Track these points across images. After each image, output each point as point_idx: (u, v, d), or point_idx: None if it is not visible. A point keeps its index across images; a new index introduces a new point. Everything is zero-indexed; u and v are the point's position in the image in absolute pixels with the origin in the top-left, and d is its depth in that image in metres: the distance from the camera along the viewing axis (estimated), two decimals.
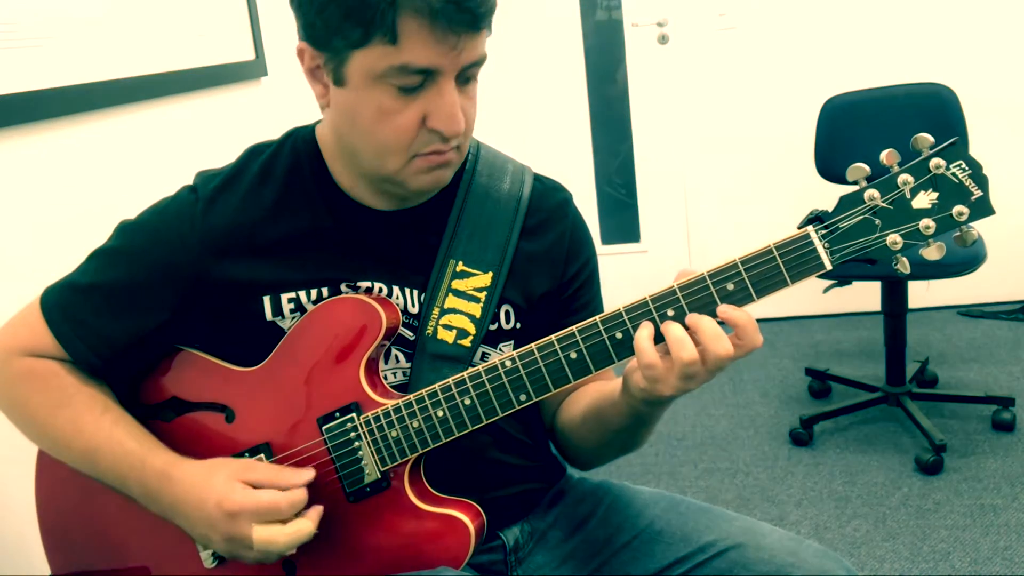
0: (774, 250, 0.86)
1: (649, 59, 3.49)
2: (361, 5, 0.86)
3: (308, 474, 0.96)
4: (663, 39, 3.45)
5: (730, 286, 0.87)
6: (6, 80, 1.35)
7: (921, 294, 3.41)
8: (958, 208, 0.84)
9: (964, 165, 0.83)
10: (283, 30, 2.20)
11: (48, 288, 1.05)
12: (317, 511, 0.96)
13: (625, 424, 0.99)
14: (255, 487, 0.94)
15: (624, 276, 2.87)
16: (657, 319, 0.89)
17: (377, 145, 0.95)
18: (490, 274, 1.05)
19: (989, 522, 2.15)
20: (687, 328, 0.87)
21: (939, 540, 2.11)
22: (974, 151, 0.84)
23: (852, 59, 3.28)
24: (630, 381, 0.92)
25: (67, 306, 1.03)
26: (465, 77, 0.94)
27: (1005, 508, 2.20)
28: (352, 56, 0.90)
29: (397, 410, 0.97)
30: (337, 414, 0.98)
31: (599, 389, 1.05)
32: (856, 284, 2.79)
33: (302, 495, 0.95)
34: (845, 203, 0.86)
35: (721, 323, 0.87)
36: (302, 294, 1.01)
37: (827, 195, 0.87)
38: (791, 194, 3.38)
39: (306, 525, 0.94)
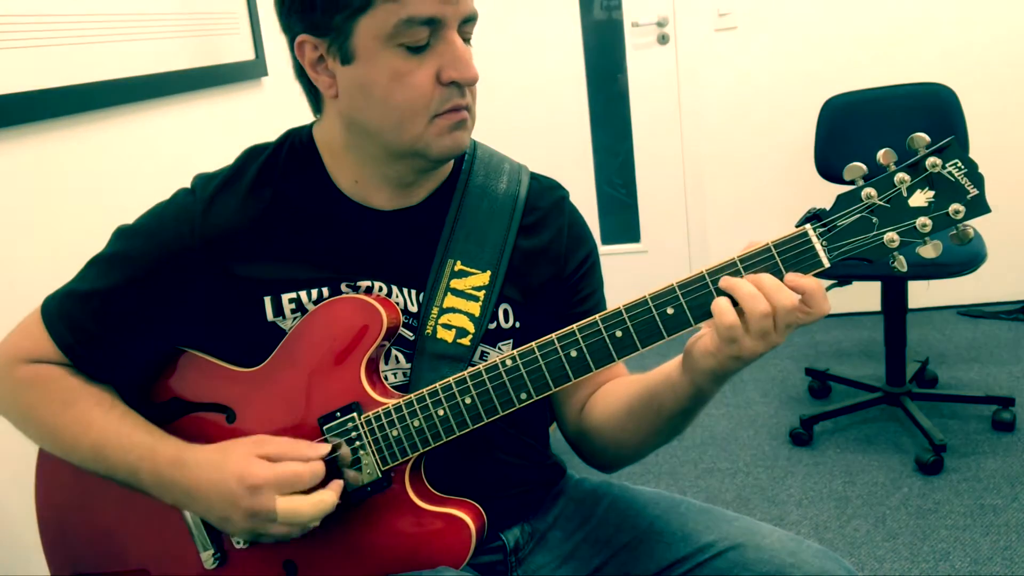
0: (772, 248, 0.86)
1: (649, 59, 3.49)
2: None
3: (324, 448, 0.97)
4: (663, 39, 3.45)
5: None
6: (6, 80, 1.35)
7: (921, 294, 3.41)
8: (954, 206, 0.84)
9: (960, 163, 0.83)
10: None
11: (48, 297, 1.05)
12: (338, 484, 0.96)
13: (683, 407, 0.96)
14: (272, 460, 0.94)
15: (624, 276, 2.86)
16: (656, 316, 0.89)
17: (396, 112, 0.95)
18: (488, 273, 1.05)
19: (989, 522, 2.15)
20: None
21: (939, 540, 2.11)
22: (974, 151, 0.84)
23: (852, 59, 3.28)
24: (695, 354, 0.90)
25: (67, 314, 1.03)
26: (463, 35, 0.95)
27: (1005, 508, 2.20)
28: (358, 25, 0.91)
29: (398, 409, 0.97)
30: (338, 414, 0.98)
31: (641, 379, 1.02)
32: (856, 284, 2.80)
33: (322, 467, 0.95)
34: (842, 201, 0.86)
35: None
36: (303, 294, 1.01)
37: (827, 195, 0.87)
38: (792, 194, 3.38)
39: (329, 496, 0.94)
